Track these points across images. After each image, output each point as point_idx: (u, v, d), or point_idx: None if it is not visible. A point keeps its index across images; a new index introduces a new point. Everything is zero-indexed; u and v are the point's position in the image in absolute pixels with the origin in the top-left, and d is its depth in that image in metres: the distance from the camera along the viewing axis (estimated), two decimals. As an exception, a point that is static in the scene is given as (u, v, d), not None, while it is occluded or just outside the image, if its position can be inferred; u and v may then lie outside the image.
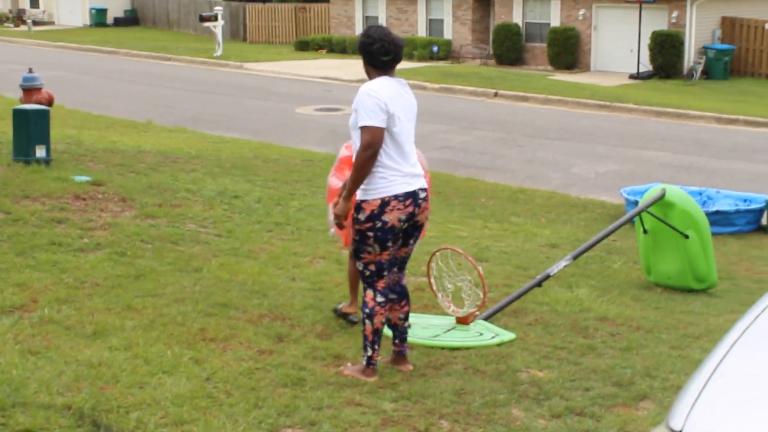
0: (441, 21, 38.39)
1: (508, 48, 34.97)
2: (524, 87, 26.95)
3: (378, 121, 5.79)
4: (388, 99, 5.84)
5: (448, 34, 37.87)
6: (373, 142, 5.77)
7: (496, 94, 26.69)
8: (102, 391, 5.50)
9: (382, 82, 5.93)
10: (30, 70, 13.51)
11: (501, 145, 18.62)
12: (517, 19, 35.53)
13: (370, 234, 5.90)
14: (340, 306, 7.05)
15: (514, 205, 12.94)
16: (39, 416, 5.09)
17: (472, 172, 15.51)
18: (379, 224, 5.87)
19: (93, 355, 6.03)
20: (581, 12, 33.83)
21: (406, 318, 6.28)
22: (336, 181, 6.84)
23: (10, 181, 10.77)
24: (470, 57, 36.34)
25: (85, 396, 5.39)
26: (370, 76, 6.03)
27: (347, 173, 6.42)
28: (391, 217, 5.88)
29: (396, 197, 5.87)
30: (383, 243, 5.91)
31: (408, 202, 5.90)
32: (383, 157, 5.89)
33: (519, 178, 15.41)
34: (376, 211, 5.87)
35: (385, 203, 5.86)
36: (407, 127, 6.00)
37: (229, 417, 5.24)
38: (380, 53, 5.93)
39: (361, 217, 5.90)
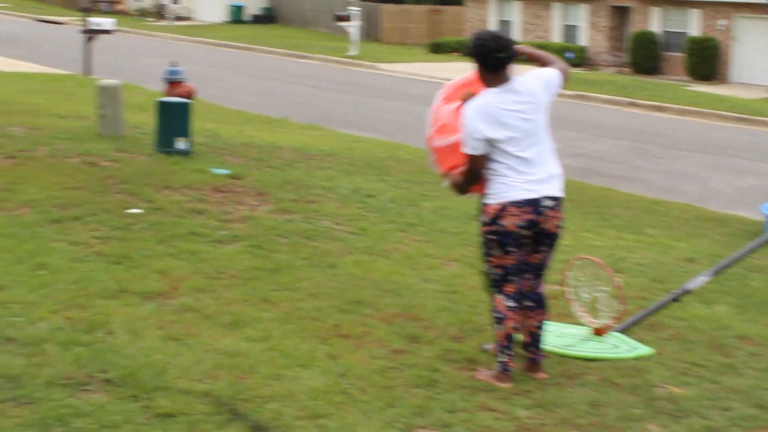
0: (576, 27, 37.99)
1: (645, 56, 34.43)
2: (661, 97, 26.48)
3: (474, 150, 5.92)
4: (487, 125, 5.86)
5: (582, 41, 37.48)
6: (471, 168, 5.99)
7: (631, 103, 26.27)
8: (240, 380, 5.60)
9: (487, 101, 5.89)
10: (173, 64, 13.82)
11: (636, 155, 18.32)
12: (655, 27, 34.94)
13: (491, 237, 5.94)
14: (487, 346, 6.62)
15: (650, 217, 12.72)
16: (179, 401, 5.21)
17: (606, 181, 15.30)
18: (497, 228, 5.90)
19: (231, 345, 6.14)
20: (721, 22, 33.06)
21: (542, 326, 6.23)
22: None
23: (153, 171, 11.05)
24: (605, 64, 35.87)
25: (224, 384, 5.50)
26: (486, 83, 5.99)
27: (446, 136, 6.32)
28: (509, 223, 5.88)
29: (514, 203, 5.87)
30: (504, 247, 5.92)
31: (527, 209, 5.87)
32: (502, 168, 5.91)
33: (654, 189, 15.14)
34: (495, 216, 5.88)
35: (503, 208, 5.87)
36: (528, 137, 5.93)
37: (363, 414, 5.27)
38: (494, 50, 5.90)
39: (484, 219, 5.95)
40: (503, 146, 5.89)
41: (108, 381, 5.45)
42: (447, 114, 6.33)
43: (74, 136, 12.87)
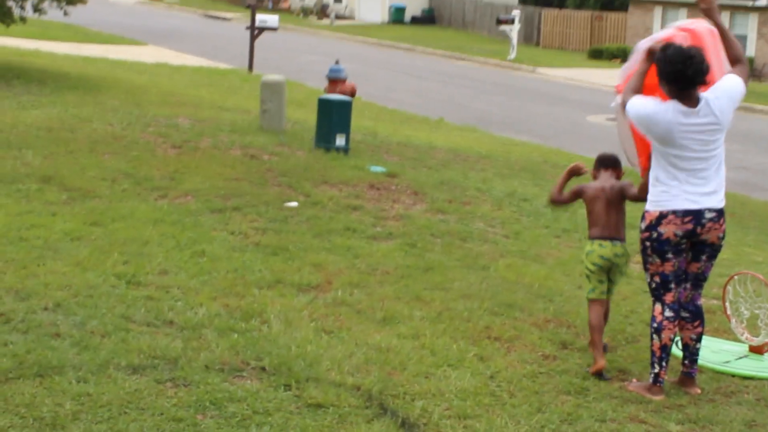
0: (744, 37, 36.91)
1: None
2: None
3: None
4: (656, 136, 5.80)
5: (750, 51, 36.37)
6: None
7: (799, 117, 25.41)
8: (390, 376, 5.64)
9: (668, 120, 5.75)
10: (336, 62, 14.03)
11: (802, 170, 17.70)
12: (829, 38, 33.64)
13: (648, 244, 5.87)
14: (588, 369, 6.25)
15: (815, 234, 12.25)
16: (330, 393, 5.28)
17: (769, 196, 14.82)
18: (654, 235, 5.81)
19: (382, 341, 6.20)
20: None
21: (699, 339, 6.08)
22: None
23: (311, 166, 11.24)
24: (773, 76, 34.73)
25: (374, 379, 5.55)
26: (671, 97, 5.84)
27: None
28: (666, 230, 5.76)
29: (674, 212, 5.75)
30: (661, 254, 5.80)
31: (687, 219, 5.74)
32: (664, 176, 5.79)
33: (821, 206, 14.57)
34: (653, 222, 5.77)
35: (662, 216, 5.75)
36: (702, 158, 5.79)
37: (511, 417, 5.24)
38: (689, 77, 5.73)
39: (642, 225, 5.86)
40: (672, 159, 5.78)
41: (262, 369, 5.57)
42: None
43: (237, 128, 13.20)
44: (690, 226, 5.79)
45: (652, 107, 5.79)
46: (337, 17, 54.78)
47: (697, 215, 5.79)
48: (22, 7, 18.28)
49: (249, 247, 8.08)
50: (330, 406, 5.15)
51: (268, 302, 6.70)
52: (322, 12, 56.69)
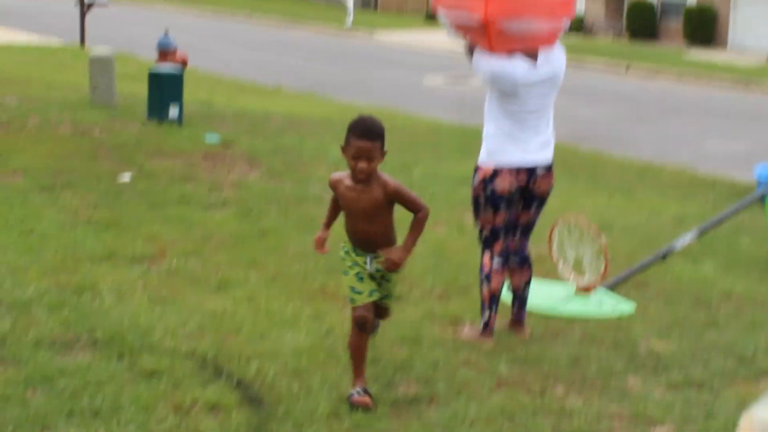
0: (573, -5, 37.84)
1: (642, 24, 34.30)
2: (657, 62, 26.44)
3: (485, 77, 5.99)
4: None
5: (579, 9, 37.33)
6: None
7: (628, 67, 26.25)
8: (225, 340, 5.66)
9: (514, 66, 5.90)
10: (165, 32, 13.82)
11: (630, 121, 18.33)
12: (652, -5, 34.81)
13: (481, 197, 6.00)
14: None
15: (641, 180, 12.73)
16: (164, 360, 5.27)
17: (598, 146, 15.31)
18: (489, 189, 5.96)
19: (217, 306, 6.21)
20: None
21: (528, 285, 6.29)
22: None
23: (144, 139, 11.09)
24: (602, 32, 35.78)
25: (209, 344, 5.56)
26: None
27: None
28: (501, 185, 5.93)
29: (509, 167, 5.91)
30: (494, 207, 5.97)
31: (521, 174, 5.92)
32: (498, 129, 5.94)
33: (647, 154, 15.14)
34: (488, 177, 5.93)
35: (496, 171, 5.91)
36: (536, 104, 5.97)
37: (346, 370, 5.32)
38: None
39: (475, 179, 5.99)
40: (511, 112, 5.91)
41: (94, 342, 5.51)
42: None
43: (67, 105, 12.90)
44: (523, 182, 5.96)
45: (501, 63, 5.87)
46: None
47: (530, 170, 5.96)
48: None
49: (80, 223, 7.94)
50: (164, 372, 5.13)
51: (100, 276, 6.62)
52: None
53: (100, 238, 7.50)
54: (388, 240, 5.10)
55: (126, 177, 9.42)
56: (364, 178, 4.89)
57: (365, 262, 5.10)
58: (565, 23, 6.05)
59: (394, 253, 5.00)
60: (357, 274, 5.09)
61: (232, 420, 4.69)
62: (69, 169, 9.53)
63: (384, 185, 4.94)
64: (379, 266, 5.08)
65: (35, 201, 8.46)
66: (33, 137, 10.84)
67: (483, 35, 5.82)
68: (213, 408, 4.80)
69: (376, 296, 5.09)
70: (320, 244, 5.32)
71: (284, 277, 6.92)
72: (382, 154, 4.89)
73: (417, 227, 5.05)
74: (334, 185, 5.13)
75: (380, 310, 5.28)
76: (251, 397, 4.97)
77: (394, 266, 5.01)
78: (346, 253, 5.17)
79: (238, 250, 7.51)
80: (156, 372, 5.14)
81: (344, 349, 5.63)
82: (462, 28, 5.98)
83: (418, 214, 5.05)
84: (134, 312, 5.97)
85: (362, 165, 4.82)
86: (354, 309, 5.04)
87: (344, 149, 4.90)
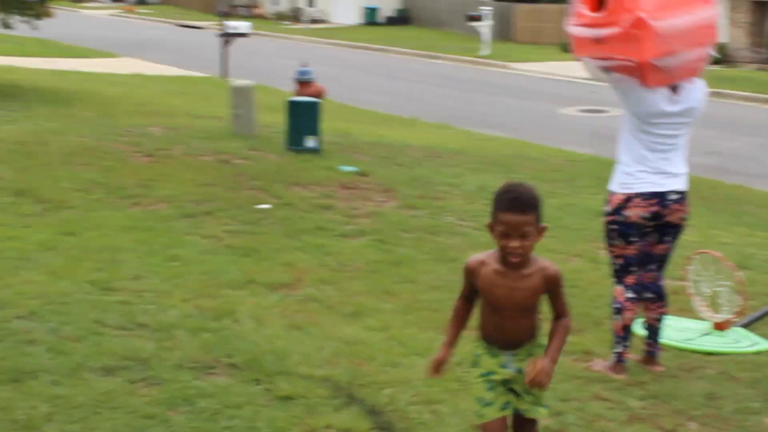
0: (715, 24, 37.11)
1: (787, 53, 33.41)
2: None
3: None
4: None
5: (721, 38, 36.61)
6: None
7: (770, 100, 25.64)
8: (358, 367, 5.77)
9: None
10: (304, 64, 14.15)
11: (772, 153, 17.90)
12: (798, 22, 33.89)
13: (613, 227, 5.99)
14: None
15: (783, 215, 12.43)
16: (299, 385, 5.41)
17: (740, 179, 15.00)
18: (620, 218, 5.93)
19: (351, 334, 6.33)
20: None
21: (662, 319, 6.23)
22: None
23: (283, 168, 11.37)
24: (745, 61, 35.00)
25: (343, 370, 5.68)
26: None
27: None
28: (632, 213, 5.90)
29: (641, 195, 5.89)
30: (626, 237, 5.94)
31: (653, 201, 5.89)
32: (631, 157, 5.93)
33: (790, 187, 14.76)
34: (619, 205, 5.92)
35: (628, 199, 5.89)
36: (671, 133, 5.96)
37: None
38: None
39: (607, 208, 5.98)
40: (645, 139, 5.90)
41: (232, 365, 5.69)
42: None
43: (209, 135, 13.32)
44: (655, 209, 5.94)
45: (643, 93, 5.87)
46: (312, 21, 54.92)
47: (661, 197, 5.94)
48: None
49: (221, 249, 8.21)
50: (299, 397, 5.27)
51: (239, 302, 6.83)
52: (295, 16, 56.78)
53: (239, 265, 7.74)
54: (534, 335, 4.14)
55: (265, 205, 9.68)
56: (518, 261, 3.95)
57: (501, 364, 4.12)
58: (710, 50, 6.00)
59: (541, 367, 3.92)
60: (487, 381, 4.12)
61: (365, 446, 4.79)
62: (211, 198, 9.85)
63: (543, 270, 4.01)
64: (520, 366, 4.07)
65: (179, 228, 8.77)
66: (177, 166, 11.24)
67: (635, 73, 5.82)
68: (345, 433, 4.91)
69: (509, 411, 4.13)
70: (438, 367, 4.23)
71: (417, 306, 7.02)
72: (539, 230, 3.94)
73: (562, 334, 4.09)
74: (473, 271, 4.09)
75: (522, 422, 4.19)
76: (383, 424, 5.06)
77: (545, 381, 3.95)
78: (478, 357, 4.19)
79: (373, 278, 7.64)
80: (291, 396, 5.28)
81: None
82: (611, 69, 5.96)
83: (565, 318, 4.11)
84: (271, 337, 6.14)
85: (514, 245, 3.88)
86: (482, 427, 4.12)
87: (491, 226, 3.98)
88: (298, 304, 6.94)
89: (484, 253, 4.11)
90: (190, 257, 7.86)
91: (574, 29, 6.01)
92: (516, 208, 3.87)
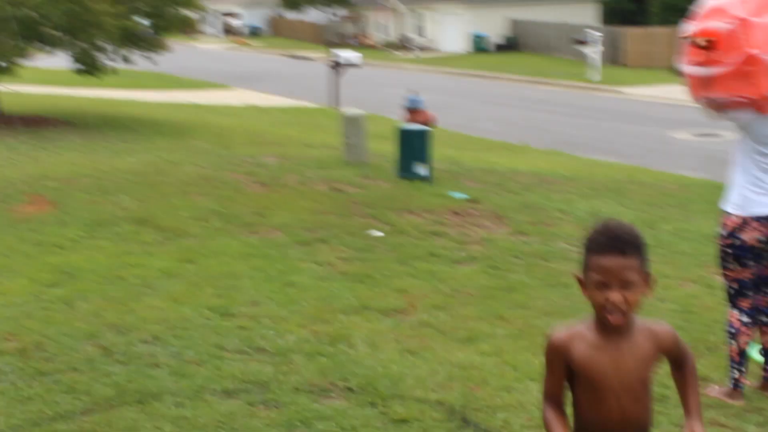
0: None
1: None
2: None
3: None
4: None
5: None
6: None
7: None
8: (472, 391, 5.83)
9: None
10: (414, 92, 14.32)
11: None
12: None
13: (729, 251, 5.91)
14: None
15: None
16: (414, 408, 5.50)
17: None
18: (737, 242, 5.87)
19: (465, 359, 6.40)
20: None
21: (779, 343, 6.15)
22: None
23: (394, 196, 11.52)
24: None
25: (456, 394, 5.75)
26: None
27: None
28: (749, 237, 5.84)
29: (758, 218, 5.83)
30: (741, 261, 5.89)
31: None
32: (746, 178, 5.87)
33: None
34: (735, 229, 5.87)
35: (745, 222, 5.84)
36: None
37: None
38: None
39: (723, 232, 5.93)
40: (759, 160, 5.85)
41: (348, 389, 5.81)
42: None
43: (322, 164, 13.57)
44: (772, 233, 5.88)
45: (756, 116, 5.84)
46: (420, 49, 55.30)
47: (778, 220, 5.88)
48: (112, 60, 18.99)
49: (335, 276, 8.36)
50: (414, 420, 5.36)
51: (354, 327, 6.96)
52: (404, 46, 57.23)
53: (353, 291, 7.88)
54: (649, 422, 3.24)
55: (378, 232, 9.82)
56: (620, 322, 3.04)
57: None
58: None
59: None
60: None
61: (479, 469, 4.84)
62: (324, 225, 10.04)
63: (654, 334, 3.17)
64: None
65: (294, 255, 8.97)
66: (291, 195, 11.48)
67: (751, 107, 5.78)
68: (461, 456, 4.98)
69: None
70: None
71: (530, 331, 7.05)
72: (646, 279, 3.06)
73: (695, 381, 3.35)
74: (562, 348, 3.16)
75: None
76: (498, 447, 5.12)
77: None
78: None
79: (485, 304, 7.70)
80: (406, 419, 5.37)
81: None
82: (726, 106, 5.93)
83: (690, 361, 3.32)
84: (386, 362, 6.25)
85: (615, 298, 3.00)
86: None
87: (582, 280, 3.11)
88: (411, 329, 7.03)
89: (571, 324, 3.18)
90: (305, 283, 8.04)
91: (686, 68, 6.01)
92: (615, 249, 3.00)
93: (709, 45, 5.76)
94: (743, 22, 5.67)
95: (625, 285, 3.00)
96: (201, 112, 22.25)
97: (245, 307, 7.37)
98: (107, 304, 7.30)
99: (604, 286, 3.01)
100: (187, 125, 18.56)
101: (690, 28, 5.95)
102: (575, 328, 3.16)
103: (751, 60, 5.61)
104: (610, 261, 3.00)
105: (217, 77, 35.12)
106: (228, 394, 5.68)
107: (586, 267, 3.07)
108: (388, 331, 6.93)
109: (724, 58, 5.70)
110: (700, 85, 5.93)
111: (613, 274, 3.00)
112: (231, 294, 7.67)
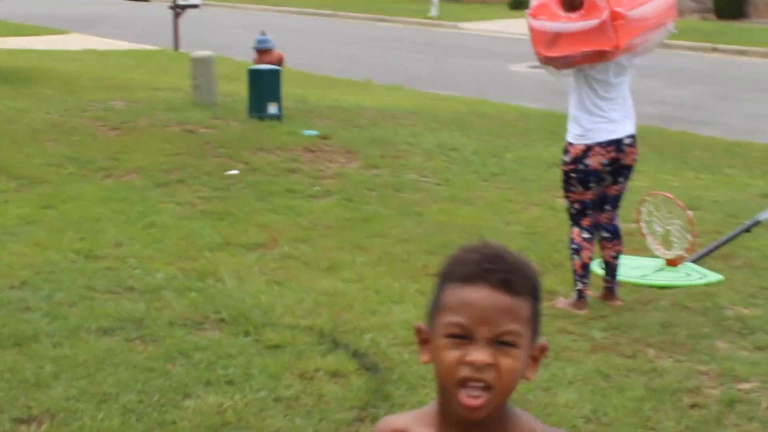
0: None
1: (729, 1, 34.03)
2: (744, 41, 26.35)
3: None
4: None
5: (664, -11, 37.07)
6: None
7: (713, 49, 26.23)
8: (339, 315, 6.18)
9: None
10: (262, 33, 14.42)
11: (717, 100, 18.46)
12: (738, -30, 34.47)
13: (573, 175, 6.40)
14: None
15: (729, 158, 12.96)
16: (286, 334, 5.81)
17: (686, 126, 15.52)
18: (581, 167, 6.35)
19: (329, 286, 6.74)
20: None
21: (618, 256, 6.69)
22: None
23: (247, 135, 11.70)
24: (688, 11, 35.55)
25: (325, 319, 6.09)
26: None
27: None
28: (593, 161, 6.34)
29: (599, 143, 6.33)
30: (585, 184, 6.39)
31: (610, 148, 6.33)
32: (584, 109, 6.36)
33: (736, 132, 15.31)
34: (579, 155, 6.35)
35: (588, 148, 6.33)
36: (617, 78, 6.39)
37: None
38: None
39: (566, 158, 6.41)
40: (596, 87, 6.32)
41: (221, 320, 6.08)
42: None
43: (172, 106, 13.58)
44: (613, 155, 6.38)
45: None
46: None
47: (618, 143, 6.38)
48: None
49: (196, 215, 8.55)
50: (287, 345, 5.67)
51: (220, 262, 7.20)
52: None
53: (216, 228, 8.09)
54: None
55: (234, 171, 10.02)
56: (480, 412, 1.84)
57: None
58: (671, 27, 6.48)
59: None
60: None
61: (353, 384, 5.20)
62: (180, 166, 10.16)
63: None
64: None
65: (153, 196, 9.10)
66: (144, 137, 11.52)
67: (600, 58, 6.24)
68: (334, 374, 5.32)
69: None
70: None
71: (389, 258, 7.43)
72: (536, 349, 1.93)
73: None
74: None
75: None
76: (367, 364, 5.48)
77: None
78: None
79: (344, 235, 8.04)
80: (280, 345, 5.68)
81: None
82: (574, 61, 6.35)
83: None
84: (254, 293, 6.53)
85: (479, 356, 1.83)
86: None
87: (423, 333, 1.95)
88: (275, 261, 7.32)
89: (405, 414, 2.03)
90: (167, 223, 8.20)
91: (538, 23, 6.40)
92: (494, 278, 1.88)
93: (576, 3, 6.23)
94: None
95: (500, 340, 1.83)
96: (40, 58, 21.71)
97: (110, 249, 7.49)
98: (-31, 253, 7.32)
99: (462, 337, 1.83)
100: (28, 71, 18.15)
101: None
102: (407, 423, 1.97)
103: (615, 15, 6.11)
104: (483, 295, 1.85)
105: (52, 22, 34.17)
106: (104, 332, 5.86)
107: (437, 307, 1.90)
108: (253, 265, 7.20)
109: (588, 16, 6.18)
110: (549, 39, 6.35)
111: (484, 318, 1.83)
112: (94, 237, 7.77)
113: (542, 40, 6.37)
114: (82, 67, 19.80)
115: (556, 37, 6.26)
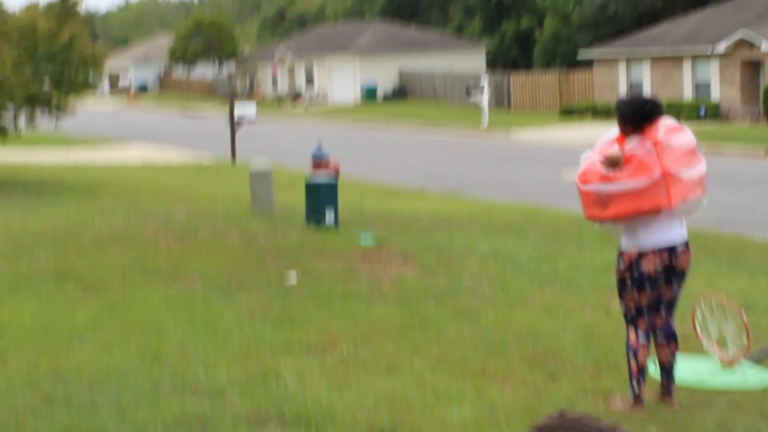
0: (707, 83, 37.99)
1: (779, 108, 34.18)
2: (796, 146, 26.41)
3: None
4: None
5: (715, 96, 37.41)
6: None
7: (767, 151, 26.32)
8: (399, 415, 6.30)
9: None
10: (319, 145, 14.84)
11: (771, 205, 18.49)
12: (788, 78, 34.68)
13: (629, 281, 6.54)
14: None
15: (784, 262, 12.97)
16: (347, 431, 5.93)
17: (740, 230, 15.57)
18: (636, 273, 6.49)
19: (388, 387, 6.86)
20: None
21: (674, 359, 6.76)
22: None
23: (305, 243, 11.98)
24: (739, 118, 35.76)
25: (385, 419, 6.21)
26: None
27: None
28: (647, 267, 6.48)
29: (653, 250, 6.47)
30: (641, 288, 6.51)
31: (664, 254, 6.48)
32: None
33: (790, 236, 15.31)
34: (633, 261, 6.49)
35: (642, 255, 6.48)
36: None
37: (510, 439, 5.90)
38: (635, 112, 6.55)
39: (621, 265, 6.55)
40: None
41: (284, 419, 6.22)
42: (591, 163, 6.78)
43: (231, 216, 13.95)
44: (667, 261, 6.53)
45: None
46: (311, 101, 55.93)
47: (671, 249, 6.53)
48: (16, 126, 19.09)
49: (257, 319, 8.76)
50: (350, 442, 5.80)
51: (281, 364, 7.37)
52: (296, 99, 57.78)
53: (276, 332, 8.29)
54: None
55: (293, 278, 10.25)
56: None
57: None
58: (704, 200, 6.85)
59: None
60: None
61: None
62: (241, 273, 10.42)
63: None
64: None
65: (215, 302, 9.34)
66: (205, 246, 11.83)
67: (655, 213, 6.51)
68: (395, 472, 5.42)
69: None
70: None
71: (447, 360, 7.55)
72: None
73: None
74: None
75: None
76: (428, 462, 5.58)
77: None
78: None
79: (402, 338, 8.19)
80: (342, 443, 5.80)
81: (507, 420, 6.22)
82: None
83: None
84: (315, 393, 6.67)
85: None
86: None
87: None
88: (335, 364, 7.47)
89: None
90: (229, 327, 8.42)
91: (592, 186, 6.62)
92: None
93: (620, 164, 6.49)
94: (656, 144, 6.44)
95: None
96: (102, 171, 22.41)
97: (174, 351, 7.70)
98: (39, 355, 7.56)
99: None
100: (91, 184, 18.75)
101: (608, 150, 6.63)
102: None
103: (666, 176, 6.39)
104: None
105: (115, 136, 35.19)
106: (170, 431, 6.02)
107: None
108: (314, 367, 7.35)
109: (641, 173, 6.42)
110: (601, 203, 6.57)
111: None
112: (158, 340, 7.99)
113: (595, 201, 6.59)
114: (142, 179, 20.35)
115: (608, 198, 6.50)
